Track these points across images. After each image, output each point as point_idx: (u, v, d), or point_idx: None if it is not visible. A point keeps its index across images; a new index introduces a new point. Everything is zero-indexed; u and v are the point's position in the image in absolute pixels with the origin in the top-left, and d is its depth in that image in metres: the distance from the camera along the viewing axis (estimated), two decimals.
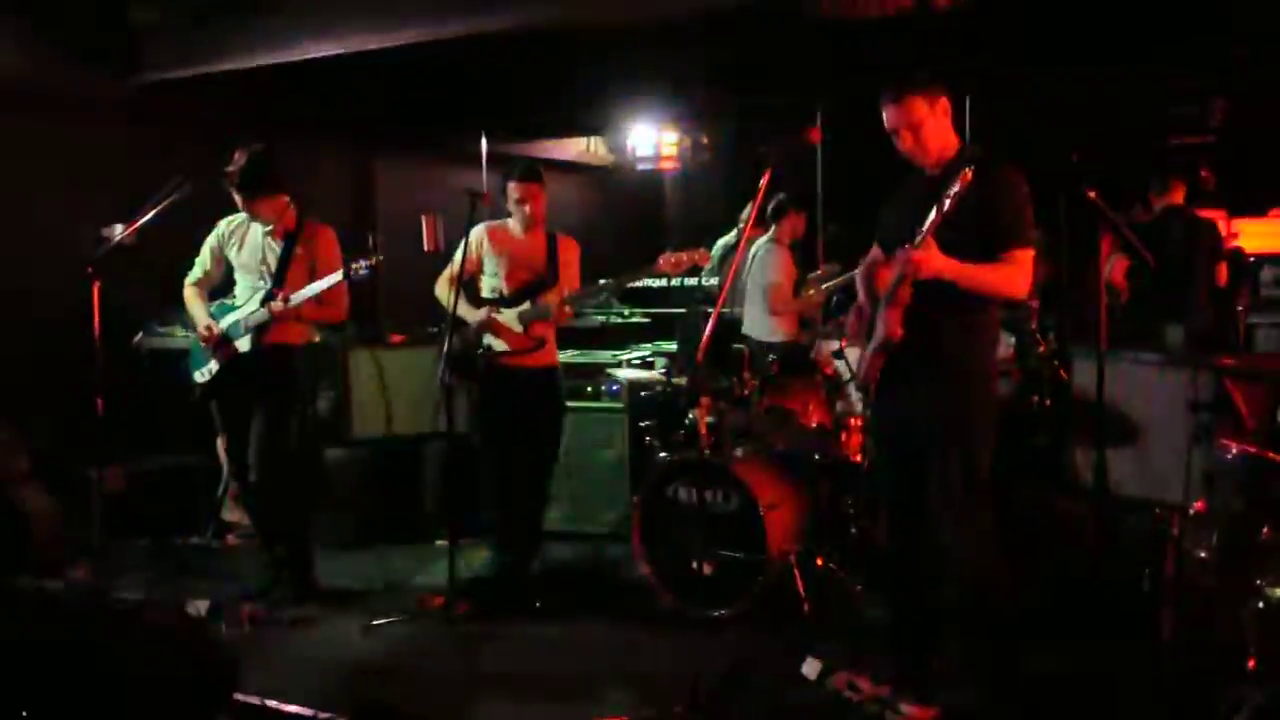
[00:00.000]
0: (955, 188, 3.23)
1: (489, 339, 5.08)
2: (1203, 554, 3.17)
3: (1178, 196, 6.23)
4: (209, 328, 4.87)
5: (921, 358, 3.47)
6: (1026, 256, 3.44)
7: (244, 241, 4.95)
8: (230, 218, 5.00)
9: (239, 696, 3.31)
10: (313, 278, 4.80)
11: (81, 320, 4.38)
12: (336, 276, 4.71)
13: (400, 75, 6.79)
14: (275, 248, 4.88)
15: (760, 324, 6.52)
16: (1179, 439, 3.77)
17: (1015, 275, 3.43)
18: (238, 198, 4.80)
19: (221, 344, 4.86)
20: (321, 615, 4.82)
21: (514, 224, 5.16)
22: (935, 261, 3.35)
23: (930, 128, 3.55)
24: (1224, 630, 3.19)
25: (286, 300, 4.69)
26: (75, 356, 4.72)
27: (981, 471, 3.47)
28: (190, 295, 5.02)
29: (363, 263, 4.69)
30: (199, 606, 4.73)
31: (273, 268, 4.85)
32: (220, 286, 5.10)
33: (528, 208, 5.05)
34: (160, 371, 5.96)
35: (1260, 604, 3.02)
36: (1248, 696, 2.96)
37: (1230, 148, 6.43)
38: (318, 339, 5.23)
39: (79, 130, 6.15)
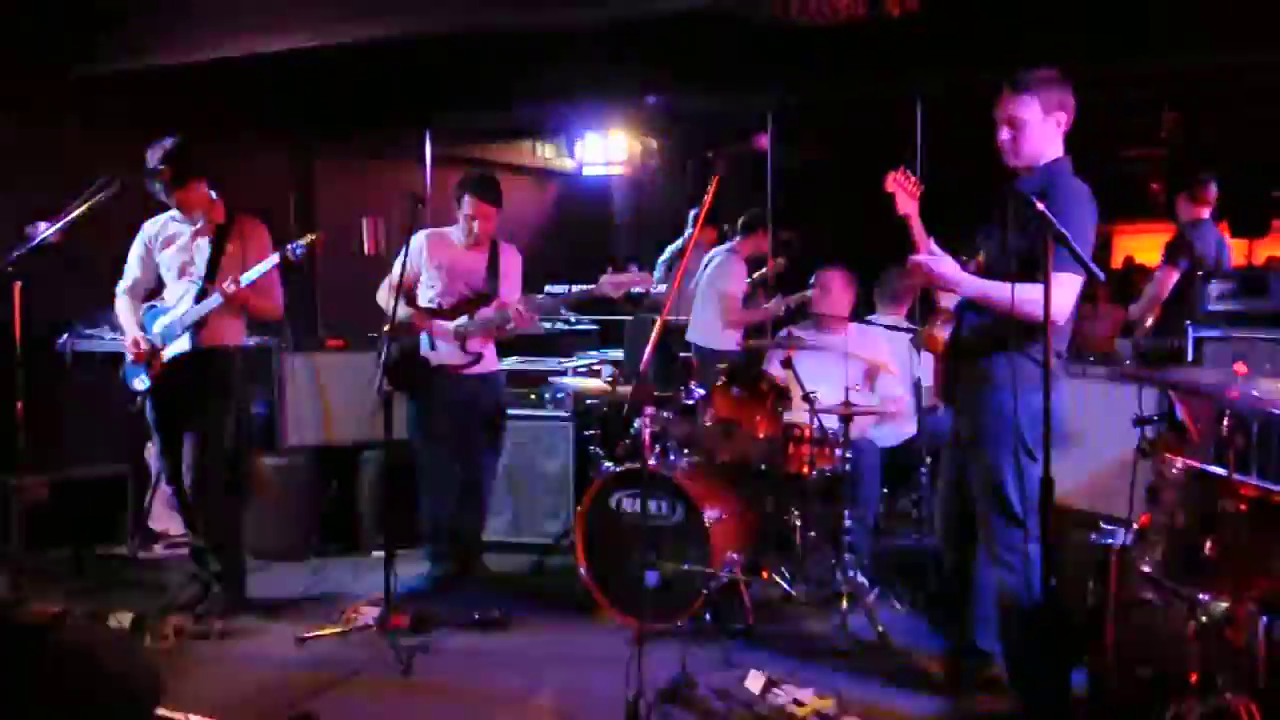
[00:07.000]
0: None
1: (426, 352, 4.98)
2: (1146, 568, 3.15)
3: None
4: (136, 342, 4.71)
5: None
6: (1058, 279, 3.16)
7: (171, 242, 4.80)
8: (155, 219, 4.86)
9: (162, 712, 3.20)
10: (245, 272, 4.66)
11: (2, 321, 4.22)
12: (274, 259, 4.59)
13: (343, 74, 6.68)
14: (204, 246, 4.73)
15: (709, 332, 6.48)
16: (1125, 453, 3.77)
17: (1030, 294, 3.23)
18: (161, 191, 4.64)
19: (151, 358, 4.70)
20: (252, 627, 4.69)
21: (457, 233, 5.07)
22: (938, 267, 3.53)
23: (1033, 132, 3.51)
24: (1167, 644, 3.18)
25: (237, 282, 4.55)
26: None
27: None
28: (122, 305, 4.85)
29: (298, 243, 4.57)
30: (122, 618, 4.60)
31: (201, 268, 4.70)
32: (153, 290, 4.94)
33: (477, 225, 4.97)
34: (85, 375, 5.79)
35: (1203, 618, 3.02)
36: (1189, 710, 2.96)
37: (1181, 160, 6.45)
38: (251, 342, 5.09)
39: (4, 126, 5.95)
